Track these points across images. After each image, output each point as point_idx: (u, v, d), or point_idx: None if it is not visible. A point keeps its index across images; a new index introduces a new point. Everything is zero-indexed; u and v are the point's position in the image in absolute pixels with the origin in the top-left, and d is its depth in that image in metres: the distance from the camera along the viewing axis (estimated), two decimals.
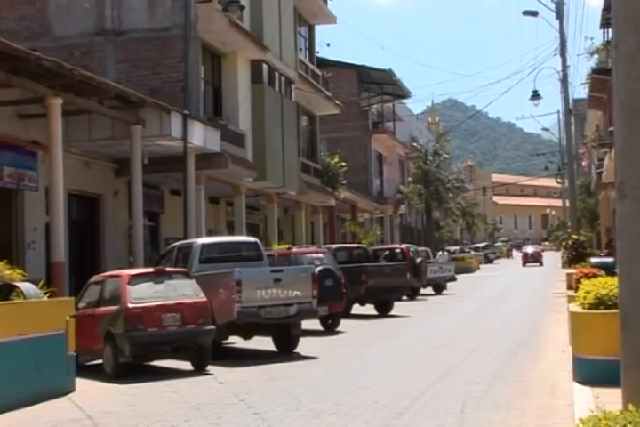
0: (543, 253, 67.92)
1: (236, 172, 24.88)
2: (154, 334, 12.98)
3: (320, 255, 21.17)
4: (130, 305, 13.00)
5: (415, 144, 57.61)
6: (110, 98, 18.65)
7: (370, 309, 24.20)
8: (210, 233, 24.86)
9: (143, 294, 13.31)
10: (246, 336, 16.16)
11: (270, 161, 27.94)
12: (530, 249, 67.33)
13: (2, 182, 18.02)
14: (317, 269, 17.37)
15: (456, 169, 71.45)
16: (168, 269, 14.69)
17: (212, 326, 13.60)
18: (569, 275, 19.88)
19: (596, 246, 42.74)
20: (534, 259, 63.69)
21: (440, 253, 40.31)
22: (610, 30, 18.89)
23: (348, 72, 46.84)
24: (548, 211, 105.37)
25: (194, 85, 23.43)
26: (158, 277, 13.92)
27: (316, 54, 39.33)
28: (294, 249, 21.89)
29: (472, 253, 62.84)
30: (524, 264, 62.49)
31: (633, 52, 7.04)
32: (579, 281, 13.38)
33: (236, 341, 16.40)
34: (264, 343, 15.86)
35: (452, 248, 58.78)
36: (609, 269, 13.70)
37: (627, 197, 7.17)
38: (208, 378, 12.65)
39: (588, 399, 8.41)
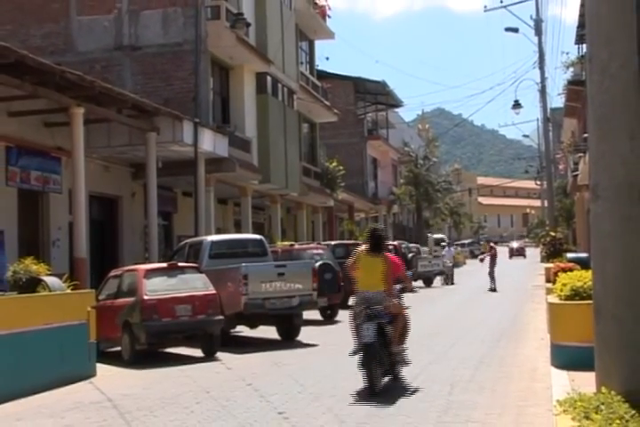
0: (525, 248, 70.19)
1: (242, 175, 24.88)
2: (167, 323, 12.99)
3: (320, 251, 21.16)
4: (145, 297, 13.02)
5: (407, 149, 57.57)
6: (128, 107, 18.66)
7: None
8: (218, 231, 24.86)
9: (157, 287, 13.32)
10: (252, 326, 16.16)
11: (274, 165, 27.93)
12: (515, 244, 70.13)
13: (29, 185, 18.05)
14: (317, 264, 17.39)
15: (444, 172, 71.34)
16: (180, 264, 14.69)
17: (221, 317, 13.61)
18: (547, 269, 19.87)
19: (572, 243, 42.66)
20: (519, 253, 66.44)
21: (447, 248, 38.44)
22: (584, 46, 18.89)
23: (345, 83, 46.77)
24: (528, 210, 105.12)
25: (204, 96, 23.43)
26: (171, 271, 13.93)
27: (316, 67, 39.30)
28: (296, 246, 21.89)
29: (459, 249, 63.07)
30: (510, 257, 64.50)
31: (605, 66, 7.06)
32: (556, 274, 13.37)
33: (242, 330, 16.40)
34: (268, 332, 15.87)
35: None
36: (584, 264, 13.69)
37: (600, 197, 7.20)
38: (217, 364, 12.66)
39: (565, 383, 8.43)
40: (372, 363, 9.20)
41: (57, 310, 11.10)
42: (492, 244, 35.63)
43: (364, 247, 10.07)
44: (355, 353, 9.52)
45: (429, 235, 54.89)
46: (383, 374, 9.51)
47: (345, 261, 22.44)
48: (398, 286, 10.14)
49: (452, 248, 39.23)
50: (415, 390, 9.35)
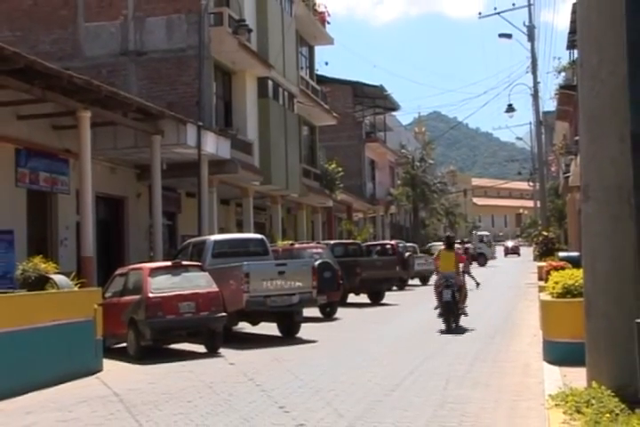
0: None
1: (244, 176, 24.89)
2: (172, 320, 12.99)
3: (319, 250, 21.15)
4: (150, 295, 13.02)
5: (404, 151, 57.50)
6: (133, 111, 18.67)
7: (364, 298, 24.18)
8: (221, 231, 24.86)
9: (162, 285, 13.32)
10: (254, 322, 16.16)
11: (275, 167, 27.94)
12: (510, 244, 71.15)
13: (38, 186, 18.06)
14: (317, 263, 17.35)
15: (440, 174, 71.11)
16: (184, 262, 14.69)
17: (224, 314, 13.60)
18: (540, 267, 19.87)
19: (564, 242, 42.66)
20: (513, 251, 67.99)
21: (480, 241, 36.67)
22: (575, 51, 18.89)
23: (344, 87, 46.75)
24: (521, 211, 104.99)
25: (207, 100, 23.44)
26: (175, 270, 13.93)
27: (316, 72, 39.31)
28: (296, 245, 21.88)
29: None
30: (505, 255, 66.04)
31: (595, 71, 7.07)
32: (548, 273, 13.36)
33: (244, 326, 16.40)
34: (269, 329, 15.87)
35: (437, 244, 58.62)
36: (575, 263, 13.68)
37: (590, 198, 7.21)
38: (220, 360, 12.66)
39: (557, 378, 8.43)
40: (449, 314, 15.22)
41: (65, 307, 11.10)
42: (466, 245, 35.53)
43: (443, 247, 16.46)
44: (437, 308, 15.49)
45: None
46: (452, 321, 15.21)
47: (343, 260, 22.58)
48: (462, 270, 16.30)
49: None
50: (472, 330, 14.96)
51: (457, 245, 18.11)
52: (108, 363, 12.03)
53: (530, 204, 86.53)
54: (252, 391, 9.35)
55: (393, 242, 32.48)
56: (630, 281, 6.69)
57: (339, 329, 17.04)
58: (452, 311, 15.25)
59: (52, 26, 24.37)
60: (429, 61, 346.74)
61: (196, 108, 22.60)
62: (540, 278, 17.40)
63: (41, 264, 11.74)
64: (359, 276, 23.11)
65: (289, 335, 15.34)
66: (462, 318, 15.60)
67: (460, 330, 15.04)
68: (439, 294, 15.48)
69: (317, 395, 8.96)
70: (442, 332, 14.89)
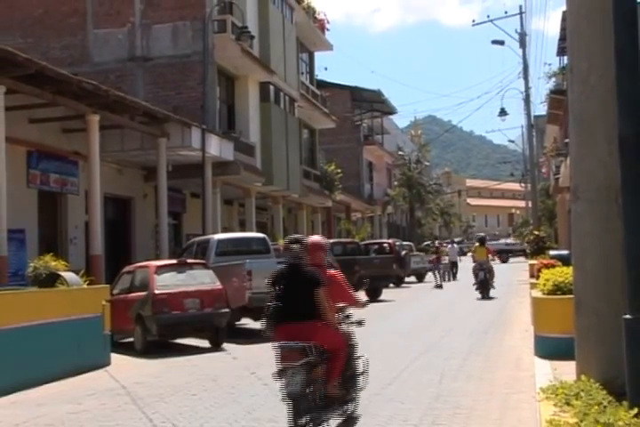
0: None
1: (246, 177, 24.89)
2: (177, 316, 13.00)
3: None
4: (157, 291, 13.02)
5: (400, 154, 57.48)
6: (140, 115, 18.67)
7: (361, 295, 24.12)
8: (224, 230, 24.86)
9: (168, 282, 13.33)
10: (256, 318, 16.10)
11: (276, 168, 27.93)
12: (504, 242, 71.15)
13: (48, 187, 18.07)
14: None
15: (435, 175, 71.17)
16: (189, 260, 14.69)
17: (227, 310, 13.62)
18: (531, 265, 19.86)
19: (554, 241, 42.62)
20: None
21: (450, 245, 36.34)
22: (565, 57, 18.87)
23: (343, 92, 46.71)
24: (513, 210, 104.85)
25: (211, 104, 23.43)
26: (181, 267, 13.94)
27: (316, 77, 39.29)
28: None
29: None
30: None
31: (585, 76, 7.08)
32: (539, 271, 13.37)
33: (247, 322, 16.39)
34: None
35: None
36: (565, 261, 13.67)
37: (580, 198, 7.21)
38: (223, 354, 12.66)
39: (548, 371, 8.43)
40: (482, 287, 22.28)
41: (74, 303, 11.11)
42: (436, 246, 35.53)
43: (478, 244, 24.75)
44: (475, 284, 22.73)
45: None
46: (486, 291, 22.30)
47: (342, 259, 22.63)
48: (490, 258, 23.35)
49: (455, 245, 38.32)
50: (497, 298, 21.90)
51: (485, 244, 24.05)
52: (115, 357, 12.03)
53: (522, 204, 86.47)
54: (254, 385, 9.34)
55: (390, 241, 32.42)
56: (618, 279, 6.69)
57: None
58: (484, 286, 22.30)
59: (62, 33, 24.38)
60: (425, 67, 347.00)
61: (200, 111, 22.60)
62: (532, 276, 17.40)
63: (51, 262, 11.74)
64: (357, 273, 23.08)
65: None
66: (492, 290, 22.43)
67: (490, 298, 21.83)
68: (476, 275, 22.70)
69: None
70: (478, 299, 21.64)
